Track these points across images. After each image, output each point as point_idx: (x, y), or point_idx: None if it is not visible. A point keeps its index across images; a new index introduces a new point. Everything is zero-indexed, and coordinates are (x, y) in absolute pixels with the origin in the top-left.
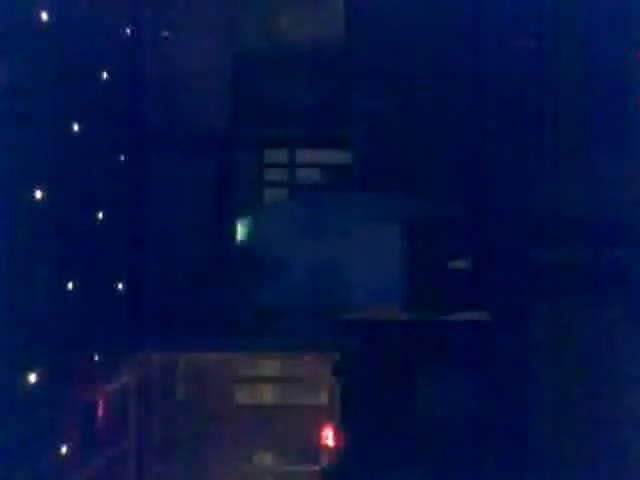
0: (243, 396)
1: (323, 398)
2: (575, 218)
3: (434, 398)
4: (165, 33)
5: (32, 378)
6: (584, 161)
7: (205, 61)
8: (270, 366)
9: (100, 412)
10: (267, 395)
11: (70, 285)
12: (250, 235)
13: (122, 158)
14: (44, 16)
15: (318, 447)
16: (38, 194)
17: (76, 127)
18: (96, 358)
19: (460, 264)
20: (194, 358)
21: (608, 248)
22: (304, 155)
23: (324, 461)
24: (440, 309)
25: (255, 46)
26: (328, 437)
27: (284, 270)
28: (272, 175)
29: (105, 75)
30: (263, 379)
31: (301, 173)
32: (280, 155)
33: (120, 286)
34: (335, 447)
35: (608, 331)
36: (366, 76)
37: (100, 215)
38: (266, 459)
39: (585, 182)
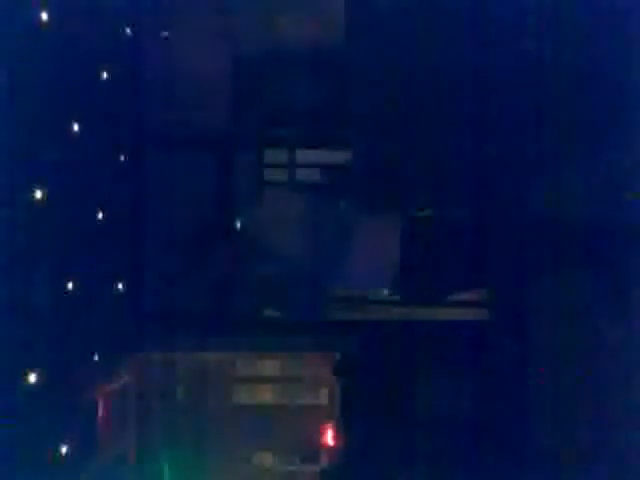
0: (243, 396)
1: (323, 398)
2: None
3: (434, 398)
4: (165, 33)
5: (32, 378)
6: (584, 159)
7: (205, 61)
8: (270, 366)
9: (100, 412)
10: (267, 395)
11: (70, 285)
12: (250, 236)
13: (122, 158)
14: (44, 16)
15: (318, 447)
16: (38, 194)
17: (76, 127)
18: (96, 358)
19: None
20: (194, 358)
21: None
22: (304, 155)
23: (324, 461)
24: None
25: (255, 46)
26: (328, 437)
27: (284, 265)
28: (272, 175)
29: (105, 75)
30: (263, 379)
31: (301, 173)
32: (280, 155)
33: (120, 286)
34: (335, 447)
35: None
36: (366, 76)
37: (100, 215)
38: (266, 459)
39: (584, 180)
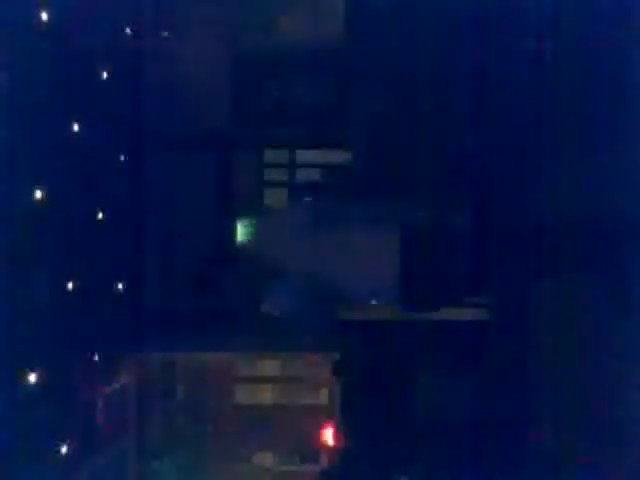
0: (243, 396)
1: (323, 398)
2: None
3: (433, 397)
4: (165, 33)
5: (32, 378)
6: (584, 159)
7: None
8: (270, 366)
9: (100, 412)
10: (267, 395)
11: (70, 285)
12: (250, 236)
13: (122, 158)
14: (44, 16)
15: (318, 447)
16: (38, 194)
17: (76, 127)
18: (96, 358)
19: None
20: (194, 358)
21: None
22: (304, 155)
23: (324, 461)
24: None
25: (255, 46)
26: (328, 437)
27: (283, 269)
28: (272, 175)
29: (105, 75)
30: (263, 379)
31: (301, 173)
32: (280, 155)
33: (120, 286)
34: (335, 447)
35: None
36: (366, 76)
37: (100, 215)
38: (266, 459)
39: (584, 180)
